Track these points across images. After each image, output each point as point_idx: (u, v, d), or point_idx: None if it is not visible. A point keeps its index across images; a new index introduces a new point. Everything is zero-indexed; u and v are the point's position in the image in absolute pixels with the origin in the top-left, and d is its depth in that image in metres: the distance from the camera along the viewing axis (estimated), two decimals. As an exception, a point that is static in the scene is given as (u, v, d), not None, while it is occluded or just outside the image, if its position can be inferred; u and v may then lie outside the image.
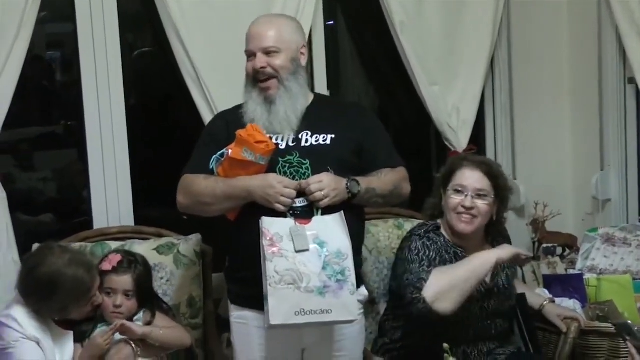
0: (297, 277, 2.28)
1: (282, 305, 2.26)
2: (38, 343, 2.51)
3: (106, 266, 2.65)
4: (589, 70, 3.76)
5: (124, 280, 2.62)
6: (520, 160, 3.86)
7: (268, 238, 2.31)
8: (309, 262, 2.31)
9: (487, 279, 2.75)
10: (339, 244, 2.36)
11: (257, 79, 2.53)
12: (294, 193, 2.40)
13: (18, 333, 2.50)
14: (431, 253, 2.70)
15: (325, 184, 2.40)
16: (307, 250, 2.32)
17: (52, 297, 2.50)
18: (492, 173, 2.78)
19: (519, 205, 3.82)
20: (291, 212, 2.40)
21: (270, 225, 2.34)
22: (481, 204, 2.73)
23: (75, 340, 2.60)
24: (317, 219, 2.39)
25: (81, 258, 2.60)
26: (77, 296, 2.53)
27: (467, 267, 2.64)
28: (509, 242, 2.90)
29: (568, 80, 3.89)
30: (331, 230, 2.38)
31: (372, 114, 2.82)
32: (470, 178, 2.74)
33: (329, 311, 2.29)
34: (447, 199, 2.77)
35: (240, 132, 2.41)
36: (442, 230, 2.81)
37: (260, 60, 2.51)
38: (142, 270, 2.69)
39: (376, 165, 2.59)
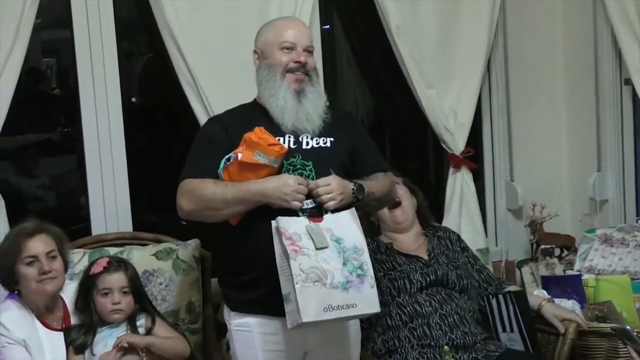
0: (322, 274, 2.28)
1: (311, 303, 2.25)
2: (25, 346, 2.52)
3: (97, 268, 2.67)
4: (585, 71, 3.76)
5: (118, 278, 2.65)
6: (518, 162, 3.86)
7: (287, 237, 2.30)
8: (330, 259, 2.32)
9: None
10: (354, 239, 2.38)
11: (290, 70, 2.51)
12: (307, 190, 2.40)
13: (5, 338, 2.51)
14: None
15: (333, 187, 2.40)
16: (327, 247, 2.33)
17: None
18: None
19: (516, 206, 3.83)
20: (301, 212, 2.39)
21: (288, 225, 2.33)
22: (400, 192, 3.05)
23: (77, 352, 2.59)
24: (329, 217, 2.39)
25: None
26: (7, 252, 2.58)
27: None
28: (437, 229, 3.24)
29: (564, 81, 3.90)
30: (345, 226, 2.39)
31: (358, 119, 2.84)
32: None
33: (355, 305, 2.31)
34: None
35: (249, 135, 2.39)
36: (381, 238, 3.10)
37: (304, 55, 2.52)
38: (132, 269, 2.72)
39: (368, 169, 2.60)
